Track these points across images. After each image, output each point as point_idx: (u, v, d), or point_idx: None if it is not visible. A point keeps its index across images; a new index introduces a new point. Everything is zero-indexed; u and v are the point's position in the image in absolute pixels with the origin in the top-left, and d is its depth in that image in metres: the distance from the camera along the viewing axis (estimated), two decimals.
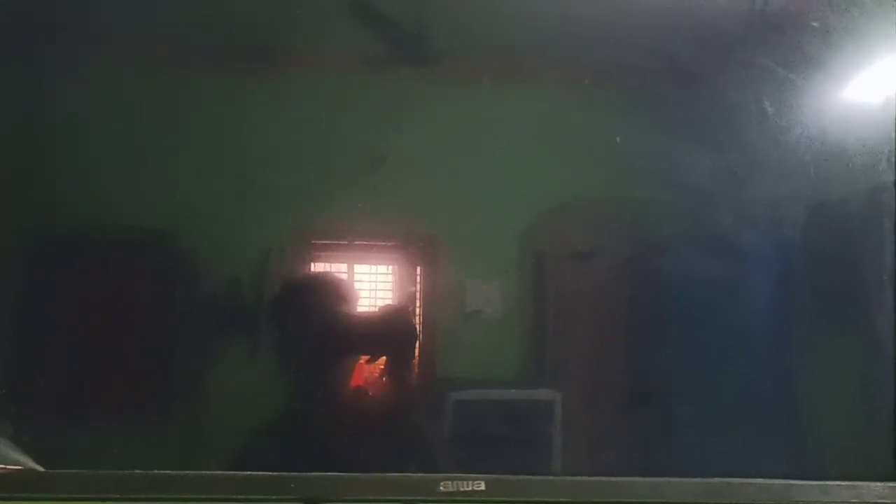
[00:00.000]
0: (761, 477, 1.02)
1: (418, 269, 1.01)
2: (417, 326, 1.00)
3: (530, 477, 1.00)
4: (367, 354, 1.00)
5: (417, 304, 1.00)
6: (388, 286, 1.01)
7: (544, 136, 1.05)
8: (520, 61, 1.05)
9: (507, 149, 1.04)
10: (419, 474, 0.98)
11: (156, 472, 0.96)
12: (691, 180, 1.04)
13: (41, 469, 0.95)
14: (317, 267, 1.01)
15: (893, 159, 1.05)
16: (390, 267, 1.01)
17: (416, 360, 1.01)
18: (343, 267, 1.00)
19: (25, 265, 0.99)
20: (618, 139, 1.03)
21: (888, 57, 1.07)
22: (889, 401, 1.03)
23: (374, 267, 1.00)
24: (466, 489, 0.98)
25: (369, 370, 1.00)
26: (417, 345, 1.00)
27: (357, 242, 1.01)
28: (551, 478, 1.01)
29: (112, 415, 0.99)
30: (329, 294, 1.00)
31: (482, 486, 0.98)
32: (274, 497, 0.98)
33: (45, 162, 0.99)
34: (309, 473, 0.97)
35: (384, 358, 1.00)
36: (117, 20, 1.01)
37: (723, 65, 1.06)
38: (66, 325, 0.99)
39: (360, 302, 1.01)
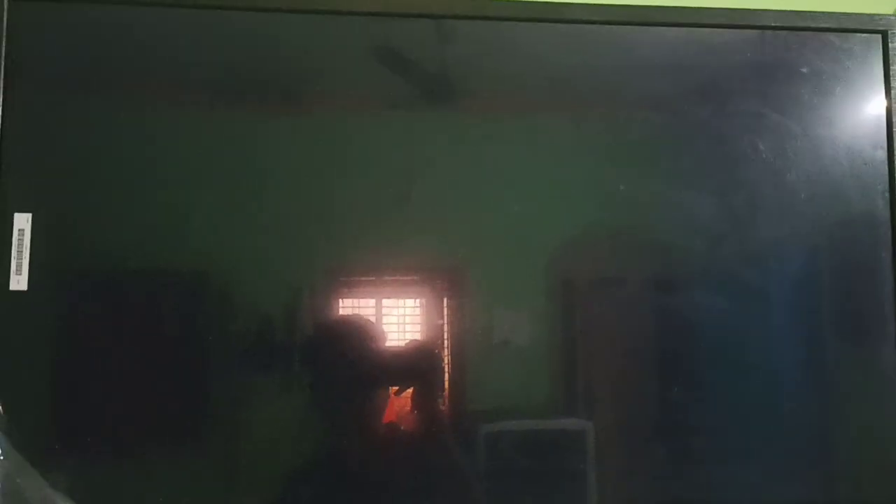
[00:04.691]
0: None
1: (445, 301, 1.02)
2: (444, 357, 1.02)
3: None
4: (394, 386, 1.02)
5: (445, 336, 1.02)
6: (416, 319, 1.02)
7: (565, 169, 1.08)
8: (537, 99, 1.09)
9: (530, 182, 1.07)
10: None
11: None
12: (706, 217, 1.08)
13: None
14: (345, 303, 1.02)
15: (888, 195, 1.09)
16: (418, 300, 1.02)
17: (444, 392, 1.02)
18: (371, 302, 1.02)
19: (76, 315, 1.00)
20: (621, 187, 1.07)
21: (876, 97, 1.11)
22: (894, 428, 1.06)
23: (401, 301, 1.02)
24: None
25: (400, 405, 1.01)
26: (445, 376, 1.01)
27: (384, 278, 1.03)
28: None
29: (162, 461, 0.99)
30: (358, 330, 1.02)
31: None
32: None
33: (80, 207, 1.01)
34: None
35: (411, 389, 1.02)
36: (151, 66, 1.04)
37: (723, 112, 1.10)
38: (116, 374, 0.99)
39: (389, 336, 1.02)
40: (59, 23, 1.03)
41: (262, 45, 1.05)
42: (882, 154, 1.10)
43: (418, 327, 1.02)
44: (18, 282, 0.99)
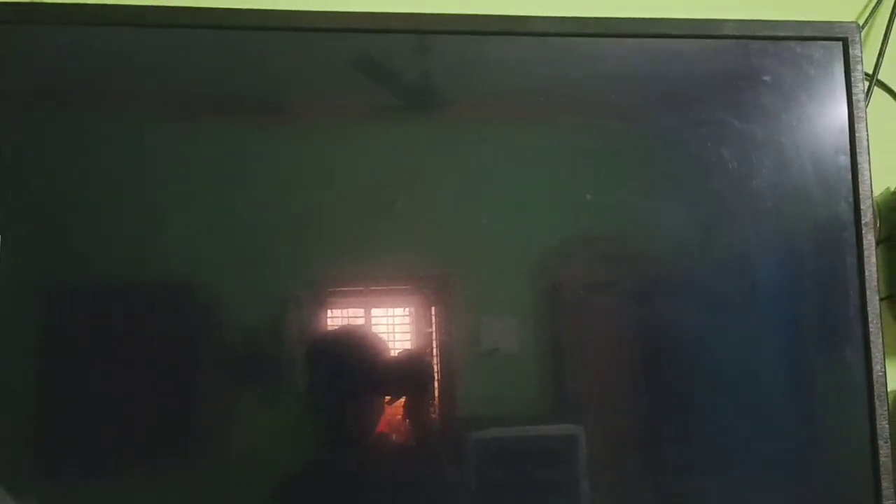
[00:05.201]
0: None
1: (433, 309, 1.03)
2: (434, 366, 1.02)
3: None
4: (386, 395, 1.02)
5: (434, 344, 1.02)
6: (405, 328, 1.02)
7: (550, 177, 1.09)
8: (521, 109, 1.10)
9: (515, 189, 1.07)
10: None
11: None
12: (689, 225, 1.10)
13: None
14: (333, 313, 1.02)
15: (851, 199, 1.11)
16: (406, 309, 1.03)
17: (434, 400, 1.02)
18: (360, 312, 1.02)
19: (47, 331, 0.99)
20: (588, 196, 1.08)
21: (838, 104, 1.13)
22: (864, 429, 1.08)
23: (390, 310, 1.02)
24: None
25: (391, 414, 1.01)
26: (435, 384, 1.02)
27: (372, 288, 1.03)
28: None
29: (132, 471, 0.98)
30: (347, 340, 1.02)
31: None
32: None
33: (64, 222, 1.00)
34: None
35: (403, 399, 1.02)
36: (126, 83, 1.03)
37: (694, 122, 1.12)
38: (89, 391, 0.98)
39: (378, 346, 1.02)
40: (28, 42, 1.02)
41: (243, 58, 1.05)
42: (845, 159, 1.12)
43: (407, 336, 1.02)
44: None
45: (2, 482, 0.93)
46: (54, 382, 0.98)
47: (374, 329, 1.02)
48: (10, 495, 0.93)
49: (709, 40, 1.14)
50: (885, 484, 1.07)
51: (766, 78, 1.14)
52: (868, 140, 1.13)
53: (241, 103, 1.06)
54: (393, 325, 1.02)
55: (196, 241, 1.02)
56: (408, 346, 1.02)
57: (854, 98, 1.13)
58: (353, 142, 1.05)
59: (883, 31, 1.31)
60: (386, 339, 1.02)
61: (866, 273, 1.10)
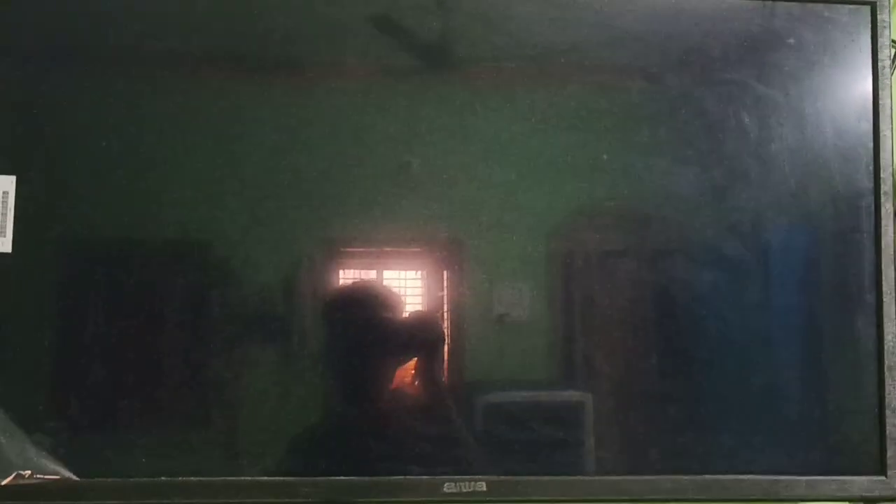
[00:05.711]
0: (750, 473, 1.06)
1: (445, 273, 1.03)
2: (445, 329, 1.03)
3: (530, 478, 1.03)
4: (396, 357, 1.03)
5: (445, 308, 1.03)
6: (417, 291, 1.03)
7: (567, 142, 1.08)
8: (537, 66, 1.09)
9: (531, 152, 1.07)
10: (423, 476, 1.01)
11: (183, 478, 0.98)
12: (704, 189, 1.09)
13: (77, 478, 0.96)
14: (346, 274, 1.03)
15: (871, 167, 1.10)
16: (418, 272, 1.03)
17: (444, 363, 1.03)
18: (372, 273, 1.02)
19: (62, 278, 1.01)
20: (605, 157, 1.07)
21: (863, 70, 1.12)
22: (872, 397, 1.09)
23: (402, 273, 1.03)
24: (468, 490, 1.01)
25: (402, 376, 1.02)
26: (446, 347, 1.03)
27: (385, 249, 1.03)
28: (549, 478, 1.04)
29: (145, 424, 1.00)
30: (359, 301, 1.02)
31: (483, 487, 1.01)
32: (287, 500, 1.00)
33: (80, 179, 1.01)
34: (320, 478, 1.00)
35: (414, 360, 1.03)
36: (142, 32, 1.03)
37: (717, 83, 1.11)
38: (101, 337, 1.00)
39: (390, 307, 1.03)
40: None
41: (258, 12, 1.04)
42: (867, 126, 1.11)
43: (419, 299, 1.03)
44: (2, 244, 0.99)
45: (10, 419, 0.95)
46: (69, 336, 1.00)
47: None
48: (18, 430, 0.95)
49: (732, 1, 1.12)
50: (891, 452, 1.07)
51: (791, 41, 1.12)
52: (892, 108, 1.11)
53: (255, 61, 1.05)
54: (405, 287, 1.02)
55: (211, 199, 1.02)
56: (419, 308, 1.03)
57: (880, 64, 1.12)
58: (369, 101, 1.05)
59: None
60: (398, 301, 1.03)
61: (883, 243, 1.09)
